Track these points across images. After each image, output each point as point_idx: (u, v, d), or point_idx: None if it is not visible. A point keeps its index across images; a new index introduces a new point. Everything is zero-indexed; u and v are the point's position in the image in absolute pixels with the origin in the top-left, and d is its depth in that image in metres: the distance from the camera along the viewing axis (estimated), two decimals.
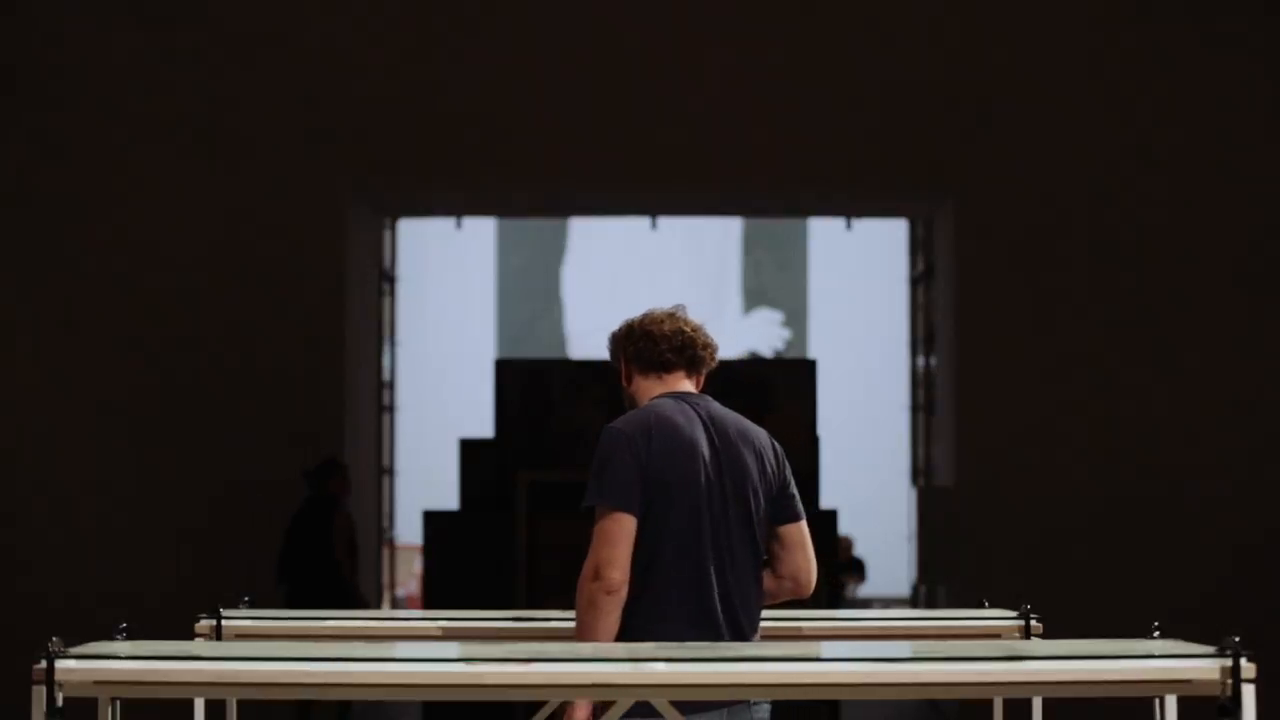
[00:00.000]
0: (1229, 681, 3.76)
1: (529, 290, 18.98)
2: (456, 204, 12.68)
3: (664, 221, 15.40)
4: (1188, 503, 10.74)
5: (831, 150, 11.01)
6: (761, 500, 4.63)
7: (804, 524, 4.72)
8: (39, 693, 3.71)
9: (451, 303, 18.65)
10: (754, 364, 15.17)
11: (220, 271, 10.79)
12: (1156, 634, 4.38)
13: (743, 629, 4.59)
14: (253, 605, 5.22)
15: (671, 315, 4.80)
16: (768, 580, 4.69)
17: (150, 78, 10.80)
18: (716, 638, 4.52)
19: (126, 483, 10.72)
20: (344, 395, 10.90)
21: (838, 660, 3.91)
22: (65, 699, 3.75)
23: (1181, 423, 10.78)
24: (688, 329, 4.77)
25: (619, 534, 4.47)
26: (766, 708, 4.59)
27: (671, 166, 11.11)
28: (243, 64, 10.83)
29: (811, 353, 18.34)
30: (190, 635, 4.93)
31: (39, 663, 3.74)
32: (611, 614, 4.45)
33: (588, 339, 18.73)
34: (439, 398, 17.07)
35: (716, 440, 4.62)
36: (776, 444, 4.75)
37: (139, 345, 10.74)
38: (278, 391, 10.77)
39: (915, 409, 13.19)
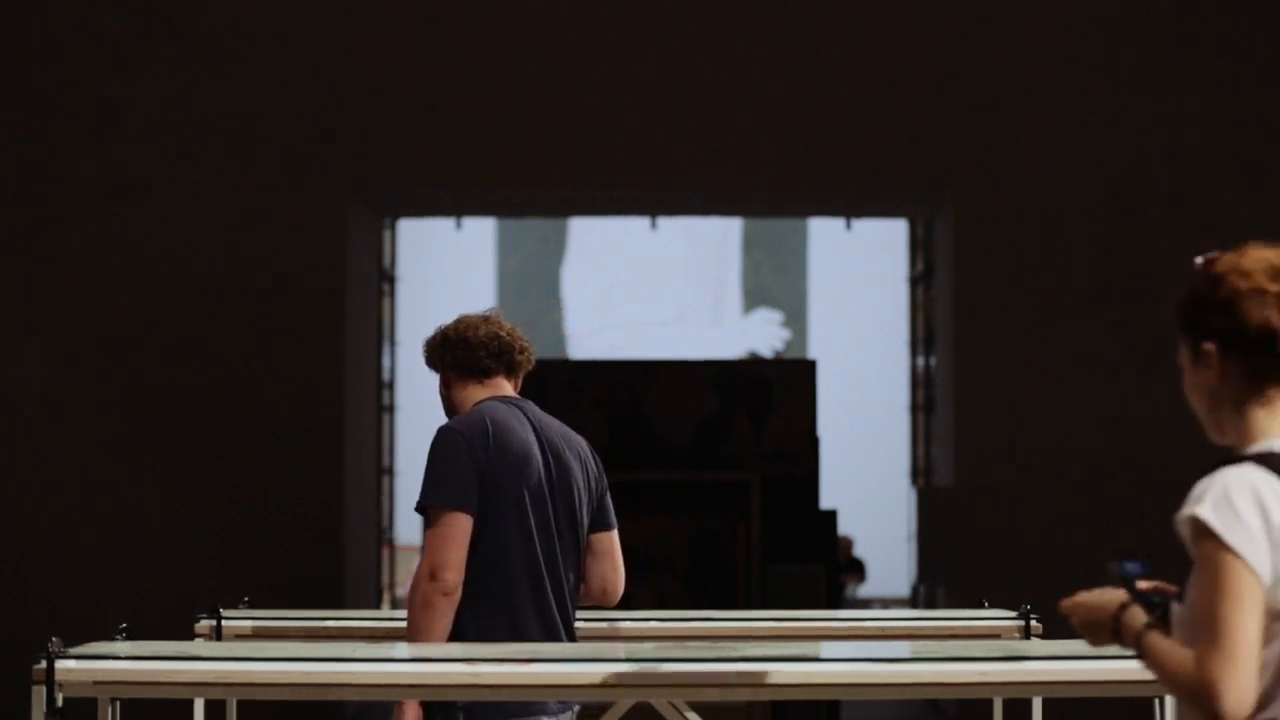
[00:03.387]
0: None
1: (529, 290, 18.96)
2: (456, 204, 12.67)
3: (664, 221, 15.40)
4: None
5: (831, 150, 11.00)
6: (585, 507, 4.64)
7: (615, 534, 4.72)
8: (39, 693, 3.71)
9: (451, 303, 18.53)
10: (754, 364, 15.16)
11: (220, 272, 10.79)
12: None
13: (573, 633, 4.60)
14: (252, 605, 5.23)
15: (486, 320, 4.78)
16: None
17: (150, 79, 10.80)
18: (555, 638, 4.51)
19: (126, 483, 10.71)
20: (343, 395, 10.90)
21: (838, 660, 3.91)
22: (65, 699, 3.75)
23: (1181, 422, 10.75)
24: (503, 333, 4.74)
25: (455, 535, 4.46)
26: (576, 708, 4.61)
27: (671, 166, 11.10)
28: (242, 64, 10.83)
29: (811, 353, 18.33)
30: (190, 635, 4.93)
31: (39, 663, 3.74)
32: (446, 615, 4.43)
33: (588, 339, 18.72)
34: (439, 398, 17.04)
35: (546, 445, 4.61)
36: (594, 452, 4.76)
37: (139, 345, 10.74)
38: (277, 391, 10.77)
39: (915, 409, 13.19)
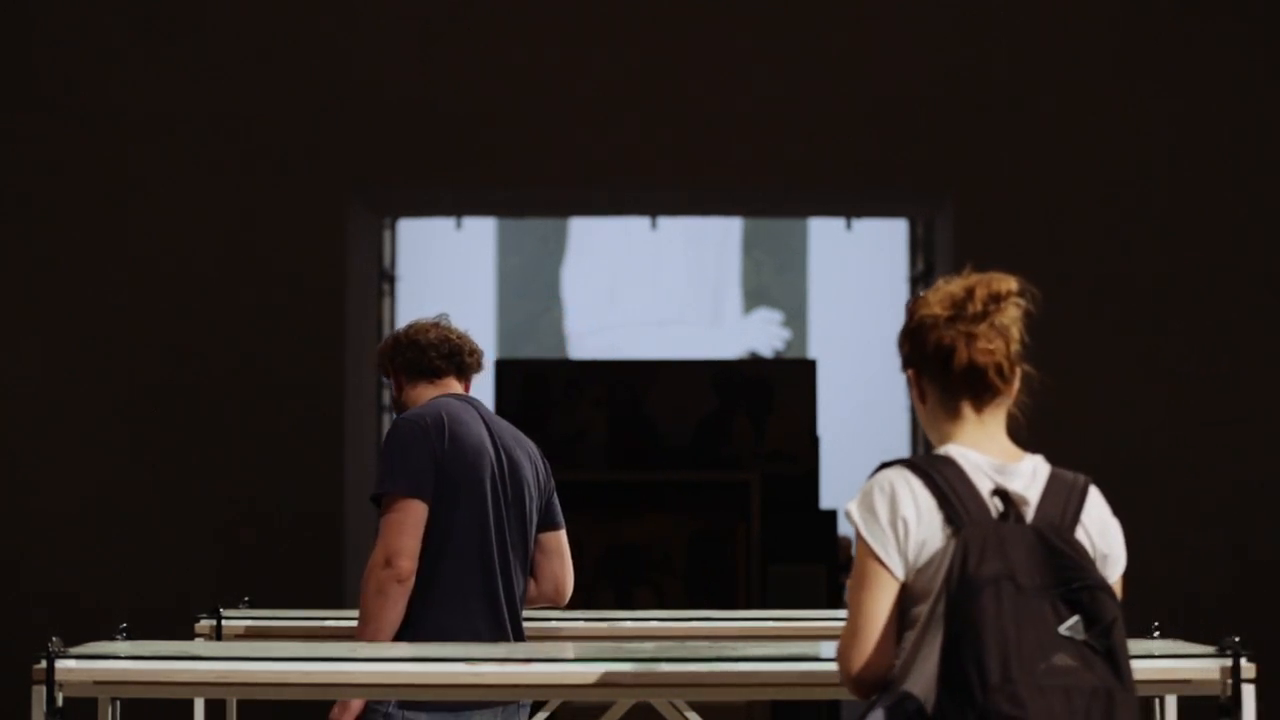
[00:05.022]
0: (1229, 681, 3.77)
1: (529, 290, 18.97)
2: (456, 204, 12.67)
3: (664, 221, 15.39)
4: (1187, 503, 10.74)
5: (831, 150, 11.00)
6: (535, 506, 4.71)
7: (564, 533, 4.80)
8: (39, 693, 3.71)
9: (451, 303, 18.52)
10: (754, 364, 15.16)
11: (219, 271, 10.78)
12: (1156, 634, 4.39)
13: (520, 629, 4.66)
14: (252, 605, 5.23)
15: (436, 324, 4.91)
16: (530, 587, 4.76)
17: (150, 79, 10.80)
18: (502, 633, 4.54)
19: (126, 482, 10.71)
20: (344, 395, 10.89)
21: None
22: (65, 699, 3.75)
23: (1182, 424, 10.77)
24: (453, 336, 4.85)
25: (410, 523, 4.50)
26: (528, 708, 4.66)
27: (671, 166, 11.10)
28: (242, 64, 10.83)
29: (811, 353, 18.33)
30: (190, 635, 4.93)
31: (39, 663, 3.74)
32: (399, 602, 4.48)
33: (588, 339, 18.72)
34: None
35: (498, 442, 4.68)
36: (542, 454, 4.84)
37: (138, 345, 10.74)
38: (277, 392, 10.76)
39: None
